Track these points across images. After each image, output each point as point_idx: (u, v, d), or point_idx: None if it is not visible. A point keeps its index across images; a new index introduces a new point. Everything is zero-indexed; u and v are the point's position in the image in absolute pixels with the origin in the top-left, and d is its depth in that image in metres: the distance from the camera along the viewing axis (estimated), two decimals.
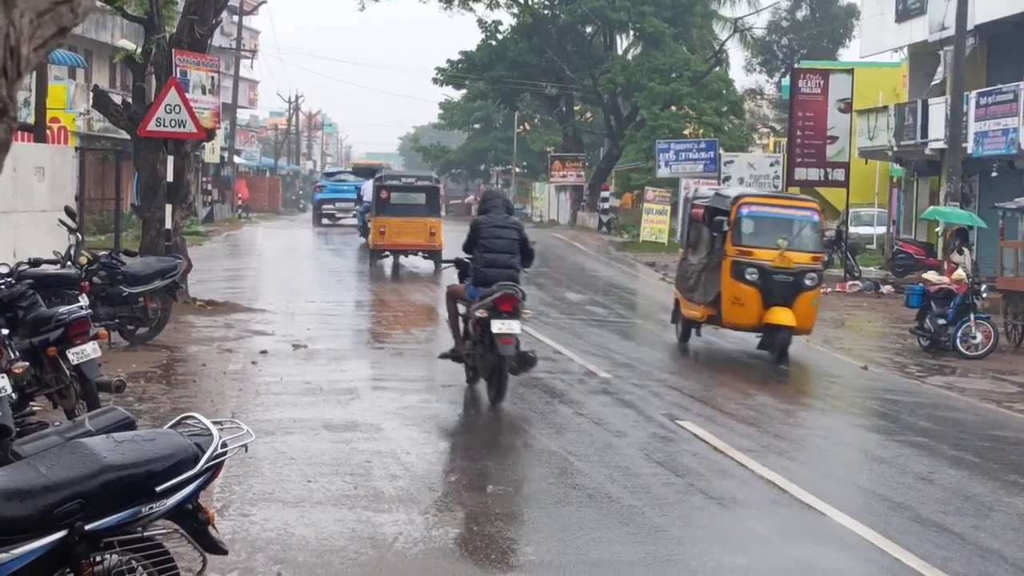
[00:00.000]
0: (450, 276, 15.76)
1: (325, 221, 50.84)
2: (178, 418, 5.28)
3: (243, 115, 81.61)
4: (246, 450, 5.35)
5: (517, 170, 74.56)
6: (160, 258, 16.38)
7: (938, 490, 9.62)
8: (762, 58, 61.60)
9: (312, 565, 7.02)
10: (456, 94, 70.68)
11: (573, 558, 7.39)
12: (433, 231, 27.85)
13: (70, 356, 9.53)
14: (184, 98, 18.21)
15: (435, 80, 56.88)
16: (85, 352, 9.61)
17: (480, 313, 12.11)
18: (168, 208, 18.91)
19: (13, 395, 8.03)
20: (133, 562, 4.85)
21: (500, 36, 55.17)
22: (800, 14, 61.92)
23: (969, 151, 27.04)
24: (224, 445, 5.02)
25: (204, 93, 20.36)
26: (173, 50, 19.53)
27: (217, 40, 40.58)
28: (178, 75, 19.10)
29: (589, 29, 55.62)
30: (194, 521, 4.96)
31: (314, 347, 15.61)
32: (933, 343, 18.61)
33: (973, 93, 27.31)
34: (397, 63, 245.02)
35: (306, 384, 12.87)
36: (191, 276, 18.82)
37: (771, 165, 38.90)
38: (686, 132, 45.83)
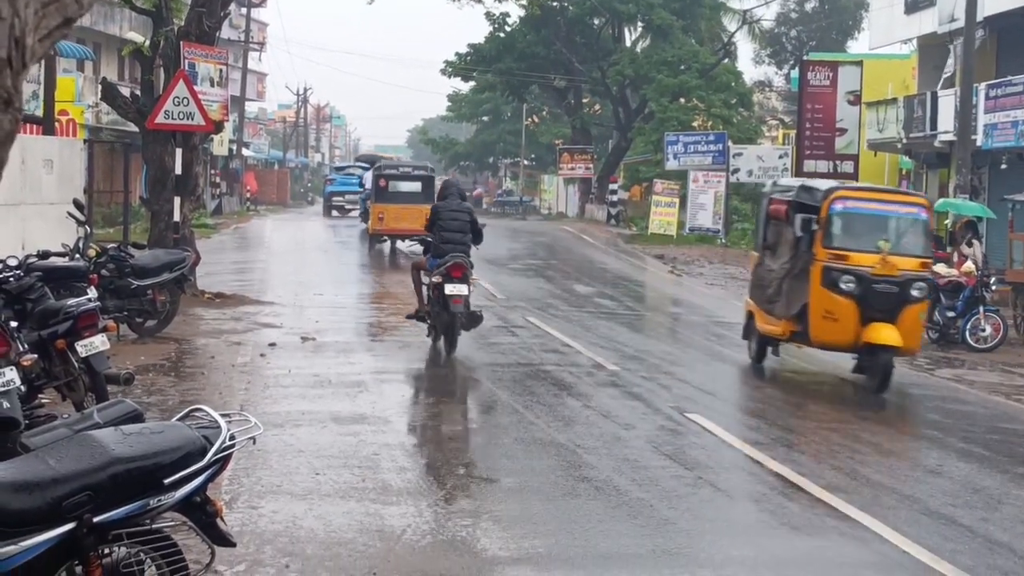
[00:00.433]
0: None
1: (335, 212, 53.28)
2: (186, 410, 5.28)
3: (251, 108, 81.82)
4: (254, 443, 5.35)
5: (525, 162, 74.50)
6: (168, 251, 16.40)
7: (947, 483, 9.60)
8: (771, 50, 61.46)
9: (320, 557, 7.02)
10: (464, 86, 70.72)
11: (582, 551, 7.38)
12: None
13: (79, 348, 9.56)
14: (192, 90, 18.23)
15: (443, 72, 56.93)
16: (94, 344, 9.63)
17: (436, 279, 14.49)
18: (177, 201, 18.94)
19: (22, 387, 8.03)
20: (141, 554, 4.85)
21: (508, 28, 55.16)
22: (809, 6, 61.82)
23: (978, 143, 26.94)
24: (232, 437, 5.01)
25: (212, 85, 20.38)
26: (181, 42, 19.55)
27: (225, 32, 40.55)
28: (186, 67, 19.11)
29: (597, 21, 55.55)
30: (202, 513, 4.96)
31: (322, 340, 15.62)
32: (942, 336, 18.58)
33: (983, 85, 27.21)
34: (405, 56, 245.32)
35: (314, 377, 12.87)
36: (199, 269, 18.85)
37: (780, 157, 38.88)
38: (695, 124, 45.80)
